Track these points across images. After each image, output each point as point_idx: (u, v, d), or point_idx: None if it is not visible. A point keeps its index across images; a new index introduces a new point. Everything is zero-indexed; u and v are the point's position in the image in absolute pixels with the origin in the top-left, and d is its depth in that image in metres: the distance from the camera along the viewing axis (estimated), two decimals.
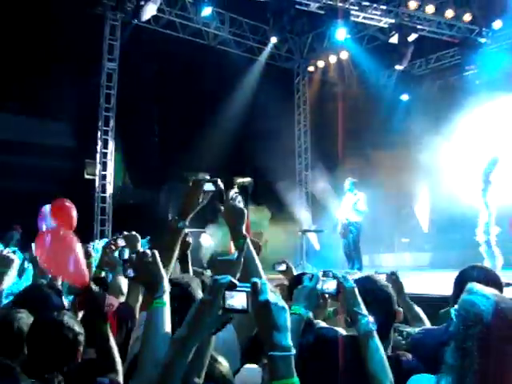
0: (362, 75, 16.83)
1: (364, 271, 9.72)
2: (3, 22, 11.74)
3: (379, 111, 15.41)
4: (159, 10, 12.80)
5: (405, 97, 16.00)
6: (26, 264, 4.77)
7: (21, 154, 13.53)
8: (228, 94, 14.63)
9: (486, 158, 9.35)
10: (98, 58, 12.72)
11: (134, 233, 3.67)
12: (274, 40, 14.26)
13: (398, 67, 14.33)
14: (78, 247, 3.37)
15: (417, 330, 2.92)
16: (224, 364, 2.07)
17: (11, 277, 3.83)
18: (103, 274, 4.20)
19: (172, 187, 14.50)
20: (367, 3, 13.02)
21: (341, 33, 12.81)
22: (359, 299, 2.27)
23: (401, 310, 2.51)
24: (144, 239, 6.29)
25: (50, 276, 4.17)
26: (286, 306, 1.62)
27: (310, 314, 2.40)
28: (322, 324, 2.88)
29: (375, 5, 13.05)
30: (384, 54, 14.58)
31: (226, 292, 1.67)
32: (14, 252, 3.75)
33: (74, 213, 5.33)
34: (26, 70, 12.89)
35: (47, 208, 5.97)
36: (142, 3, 11.91)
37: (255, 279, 1.64)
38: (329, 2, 12.59)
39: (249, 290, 1.64)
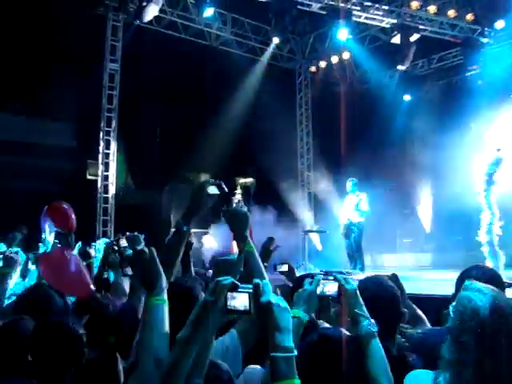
0: (364, 75, 16.83)
1: (366, 271, 9.73)
2: (5, 22, 11.75)
3: (381, 111, 15.39)
4: (161, 10, 12.82)
5: (407, 97, 15.98)
6: (30, 265, 4.78)
7: (22, 154, 13.53)
8: (230, 94, 14.63)
9: (488, 159, 9.35)
10: (99, 59, 12.73)
11: (136, 233, 3.68)
12: (275, 40, 14.27)
13: (400, 67, 14.31)
14: (81, 264, 3.41)
15: (419, 330, 2.92)
16: (225, 368, 2.08)
17: (14, 277, 3.84)
18: (105, 274, 4.22)
19: (174, 188, 14.50)
20: (369, 3, 13.01)
21: (343, 33, 12.79)
22: (361, 301, 2.27)
23: (406, 310, 2.52)
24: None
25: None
26: (288, 308, 1.62)
27: (313, 315, 2.40)
28: (326, 325, 2.89)
29: (377, 5, 13.04)
30: (386, 54, 14.56)
31: (228, 293, 1.68)
32: (16, 253, 3.76)
33: (72, 215, 5.33)
34: (27, 71, 12.89)
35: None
36: (144, 4, 11.92)
37: (257, 280, 1.65)
38: (331, 3, 12.59)
39: (251, 291, 1.64)
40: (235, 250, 2.90)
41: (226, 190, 2.66)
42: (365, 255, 10.73)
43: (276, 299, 1.60)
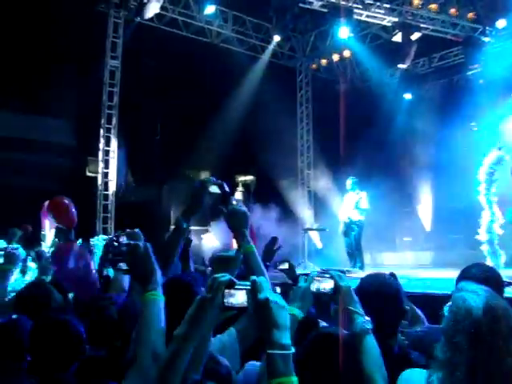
0: (365, 74, 16.82)
1: (366, 270, 9.74)
2: (5, 19, 11.73)
3: (382, 110, 15.38)
4: (162, 8, 12.81)
5: (408, 95, 15.96)
6: (30, 262, 4.78)
7: (22, 151, 13.52)
8: (231, 92, 14.62)
9: (488, 157, 9.36)
10: (100, 56, 12.73)
11: (136, 230, 3.67)
12: (276, 38, 14.27)
13: (402, 66, 14.31)
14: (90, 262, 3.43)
15: (418, 329, 2.92)
16: (224, 362, 2.08)
17: (14, 273, 3.85)
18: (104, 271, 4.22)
19: (174, 185, 14.49)
20: (370, 1, 12.99)
21: (344, 31, 12.79)
22: (355, 298, 2.28)
23: (408, 307, 2.53)
24: None
25: (52, 272, 4.18)
26: (286, 305, 1.62)
27: (314, 313, 2.41)
28: (324, 323, 2.90)
29: (378, 3, 13.02)
30: (387, 52, 14.56)
31: (226, 290, 1.68)
32: (16, 249, 3.77)
33: (73, 209, 5.34)
34: (27, 68, 12.86)
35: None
36: (146, 1, 11.93)
37: (254, 277, 1.65)
38: (332, 1, 12.57)
39: (248, 287, 1.64)
40: (235, 247, 2.90)
41: (228, 190, 2.66)
42: (364, 253, 10.74)
43: (274, 296, 1.60)
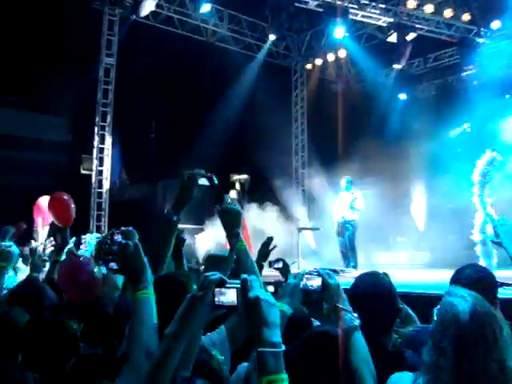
0: (360, 74, 16.84)
1: (359, 269, 9.74)
2: (1, 16, 11.67)
3: (377, 110, 15.40)
4: (158, 5, 12.80)
5: (403, 96, 16.00)
6: (20, 262, 4.76)
7: (16, 148, 13.47)
8: (226, 90, 14.60)
9: (483, 159, 9.37)
10: (95, 53, 12.69)
11: (131, 228, 3.67)
12: (272, 37, 14.27)
13: (397, 66, 14.35)
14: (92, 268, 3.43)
15: (410, 328, 2.93)
16: (218, 357, 2.09)
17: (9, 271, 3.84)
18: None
19: (168, 183, 14.46)
20: (366, 2, 13.02)
21: (339, 31, 12.81)
22: (343, 295, 2.31)
23: (402, 306, 2.54)
24: None
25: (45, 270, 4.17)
26: (276, 303, 1.63)
27: (307, 312, 2.41)
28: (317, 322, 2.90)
29: (374, 3, 13.05)
30: (382, 52, 14.58)
31: (216, 288, 1.69)
32: (10, 247, 3.75)
33: (72, 206, 5.33)
34: (23, 66, 12.83)
35: (43, 201, 5.96)
36: None
37: (245, 276, 1.65)
38: (327, 0, 12.60)
39: (239, 286, 1.65)
40: (229, 247, 2.91)
41: (217, 182, 2.68)
42: (358, 253, 10.74)
43: (264, 294, 1.60)
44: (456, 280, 2.76)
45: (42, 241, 5.62)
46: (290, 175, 16.73)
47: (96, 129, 12.65)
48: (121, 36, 12.85)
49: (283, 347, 1.56)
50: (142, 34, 13.43)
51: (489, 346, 1.65)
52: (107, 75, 12.74)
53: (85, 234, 6.98)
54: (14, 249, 3.76)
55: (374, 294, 2.47)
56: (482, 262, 8.59)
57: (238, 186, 12.86)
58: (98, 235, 6.60)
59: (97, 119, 12.64)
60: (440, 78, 16.29)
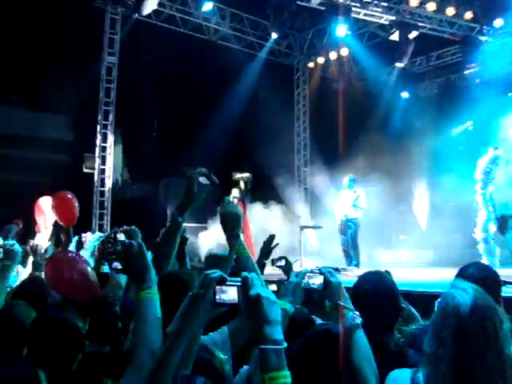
0: (363, 72, 16.83)
1: (361, 268, 9.74)
2: (2, 15, 11.68)
3: (379, 108, 15.40)
4: (160, 4, 12.79)
5: (405, 94, 15.99)
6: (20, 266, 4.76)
7: (19, 147, 13.49)
8: (228, 89, 14.60)
9: (485, 156, 9.36)
10: (98, 52, 12.69)
11: (134, 227, 3.68)
12: (274, 36, 14.25)
13: (399, 64, 14.33)
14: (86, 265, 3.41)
15: (413, 327, 2.93)
16: (220, 356, 2.09)
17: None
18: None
19: (170, 182, 14.47)
20: (368, 0, 12.99)
21: (341, 29, 12.80)
22: (345, 293, 2.31)
23: (404, 305, 2.54)
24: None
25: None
26: (278, 300, 1.64)
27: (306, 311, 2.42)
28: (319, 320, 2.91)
29: (376, 2, 13.02)
30: (384, 51, 14.56)
31: (217, 286, 1.69)
32: (13, 245, 3.76)
33: (76, 205, 5.32)
34: (25, 64, 12.84)
35: (45, 200, 5.95)
36: None
37: (245, 273, 1.65)
38: None
39: (239, 284, 1.65)
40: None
41: (216, 179, 2.69)
42: (360, 251, 10.74)
43: (265, 292, 1.61)
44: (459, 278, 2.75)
45: (45, 241, 5.63)
46: (292, 173, 16.71)
47: (98, 127, 12.66)
48: (123, 35, 12.84)
49: (285, 344, 1.57)
50: (144, 33, 13.44)
51: (489, 339, 1.66)
52: (109, 74, 12.74)
53: (85, 233, 6.98)
54: (17, 247, 3.77)
55: (376, 292, 2.48)
56: (485, 260, 8.59)
57: (242, 184, 12.84)
58: (101, 234, 6.60)
59: (99, 118, 12.65)
60: (442, 76, 16.27)
